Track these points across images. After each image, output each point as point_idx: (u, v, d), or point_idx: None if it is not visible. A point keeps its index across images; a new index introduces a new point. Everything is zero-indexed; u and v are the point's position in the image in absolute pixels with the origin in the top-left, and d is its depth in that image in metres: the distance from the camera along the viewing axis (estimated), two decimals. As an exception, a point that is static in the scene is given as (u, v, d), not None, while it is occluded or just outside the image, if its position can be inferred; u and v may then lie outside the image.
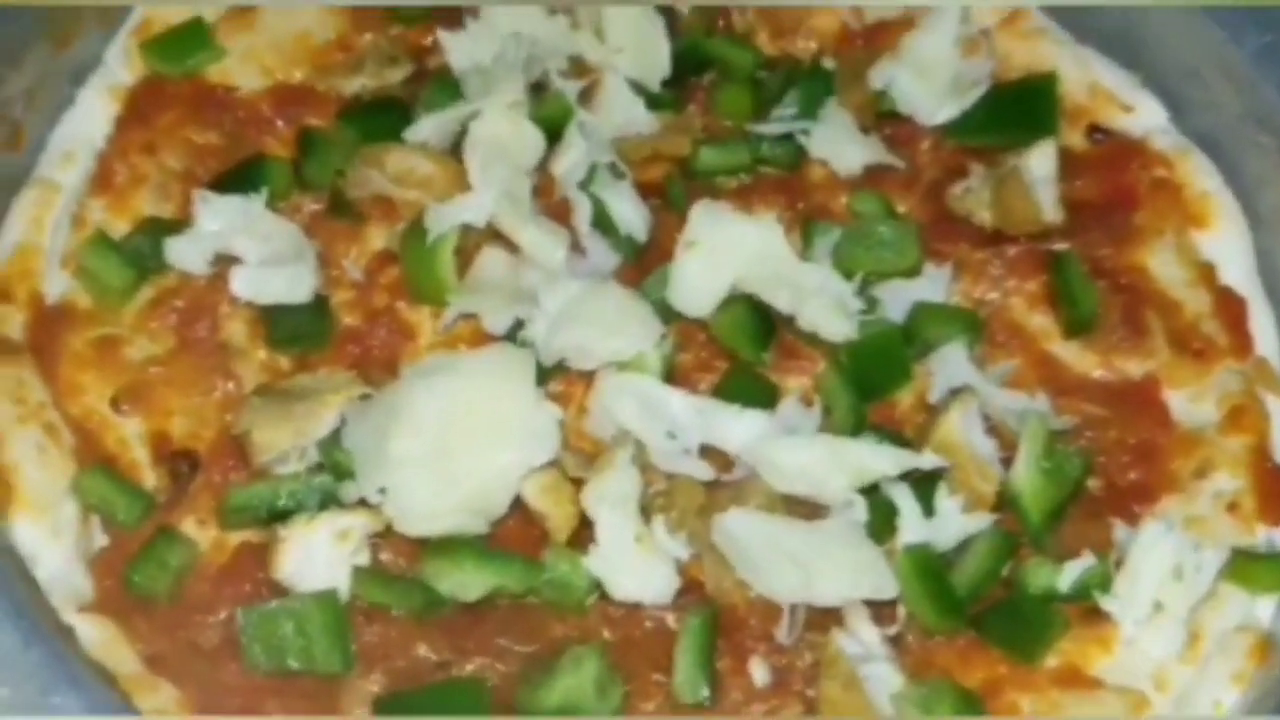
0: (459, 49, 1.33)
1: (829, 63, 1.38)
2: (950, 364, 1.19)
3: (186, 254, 1.19)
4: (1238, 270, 1.28)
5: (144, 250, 1.19)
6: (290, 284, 1.18)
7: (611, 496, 1.08)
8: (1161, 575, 1.05)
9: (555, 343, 1.16)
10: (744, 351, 1.20)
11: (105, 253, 1.17)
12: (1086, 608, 1.08)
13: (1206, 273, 1.27)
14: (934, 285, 1.25)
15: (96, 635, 1.00)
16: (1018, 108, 1.35)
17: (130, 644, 1.01)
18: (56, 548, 1.04)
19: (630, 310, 1.17)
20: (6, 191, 1.22)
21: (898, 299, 1.24)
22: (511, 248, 1.23)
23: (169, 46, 1.30)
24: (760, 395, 1.18)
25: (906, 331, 1.22)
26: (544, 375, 1.16)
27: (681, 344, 1.21)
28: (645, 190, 1.28)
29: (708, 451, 1.15)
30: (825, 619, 1.08)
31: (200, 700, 0.99)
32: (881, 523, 1.10)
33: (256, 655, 1.02)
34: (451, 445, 1.09)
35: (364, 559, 1.08)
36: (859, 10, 1.43)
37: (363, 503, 1.09)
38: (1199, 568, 1.06)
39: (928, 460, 1.10)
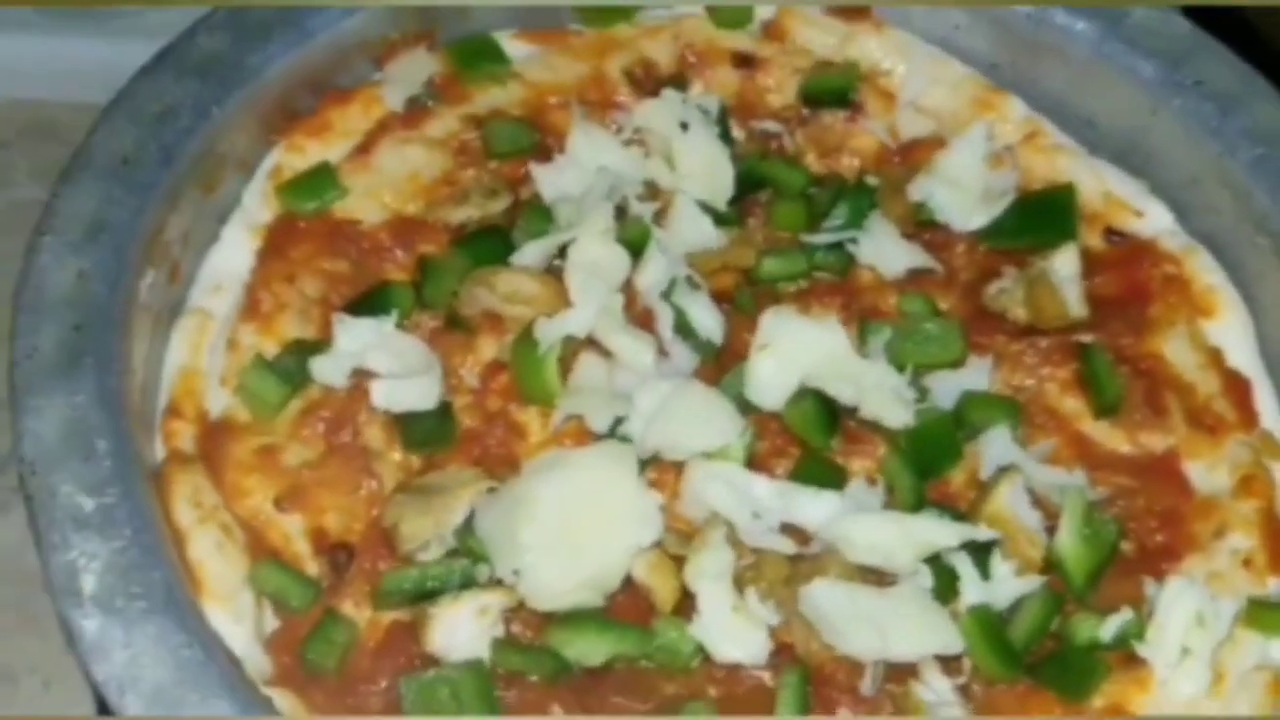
0: (549, 181, 1.53)
1: (872, 179, 1.57)
2: (996, 445, 1.35)
3: (329, 370, 1.35)
4: (1242, 354, 1.45)
5: (292, 368, 1.35)
6: (420, 393, 1.35)
7: (710, 572, 1.25)
8: (1186, 623, 1.21)
9: (651, 437, 1.33)
10: (814, 440, 1.36)
11: (262, 373, 1.33)
12: (1125, 655, 1.24)
13: (1215, 357, 1.45)
14: (977, 375, 1.41)
15: (288, 706, 1.16)
16: (1042, 214, 1.54)
17: (309, 713, 1.17)
18: (239, 631, 1.20)
19: (714, 406, 1.35)
20: (168, 322, 1.40)
21: (946, 388, 1.40)
22: (605, 354, 1.40)
23: (300, 188, 1.49)
24: (830, 477, 1.34)
25: (956, 417, 1.38)
26: (642, 466, 1.32)
27: (759, 434, 1.37)
28: (717, 298, 1.44)
29: (788, 529, 1.31)
30: (901, 673, 1.24)
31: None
32: (945, 587, 1.26)
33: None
34: (571, 530, 1.25)
35: (500, 632, 1.24)
36: (895, 132, 1.62)
37: (497, 582, 1.25)
38: (1218, 616, 1.22)
39: (983, 533, 1.27)
